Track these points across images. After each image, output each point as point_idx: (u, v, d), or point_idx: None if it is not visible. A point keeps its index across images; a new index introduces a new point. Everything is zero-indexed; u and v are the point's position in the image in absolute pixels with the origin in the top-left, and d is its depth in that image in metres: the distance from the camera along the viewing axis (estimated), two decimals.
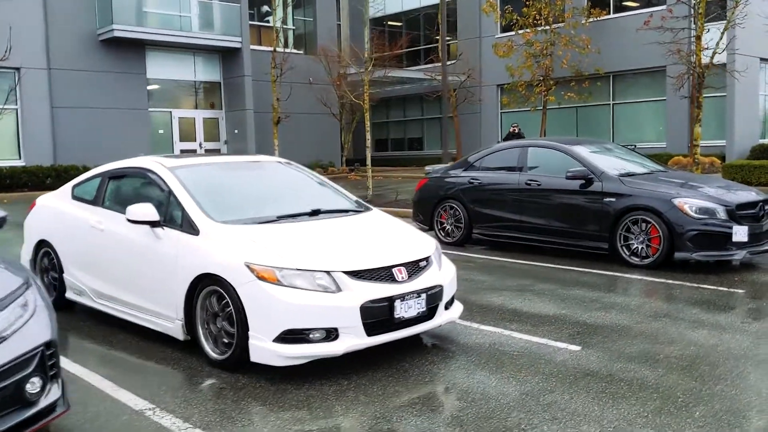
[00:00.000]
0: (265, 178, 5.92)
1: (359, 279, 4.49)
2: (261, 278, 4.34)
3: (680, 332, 5.43)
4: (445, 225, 10.08)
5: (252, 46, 26.47)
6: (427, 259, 4.99)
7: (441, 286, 4.93)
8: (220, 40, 25.44)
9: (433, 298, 4.85)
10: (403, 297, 4.61)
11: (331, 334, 4.38)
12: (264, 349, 4.32)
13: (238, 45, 25.64)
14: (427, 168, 11.25)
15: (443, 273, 5.07)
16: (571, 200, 8.70)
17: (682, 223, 7.71)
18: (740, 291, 6.82)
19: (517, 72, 25.78)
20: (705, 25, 22.95)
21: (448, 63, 30.79)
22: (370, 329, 4.48)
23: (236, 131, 26.28)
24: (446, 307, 5.10)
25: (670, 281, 7.31)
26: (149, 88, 24.86)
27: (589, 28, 25.31)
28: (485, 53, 29.59)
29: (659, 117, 25.75)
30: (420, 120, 35.17)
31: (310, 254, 4.54)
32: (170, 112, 25.47)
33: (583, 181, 8.55)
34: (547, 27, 25.34)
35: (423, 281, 4.79)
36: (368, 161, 16.37)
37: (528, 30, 25.68)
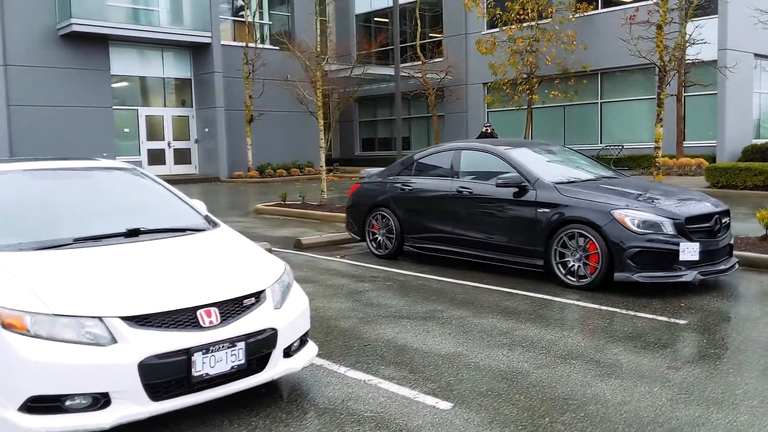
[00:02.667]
0: (86, 189, 4.90)
1: (144, 326, 3.48)
2: (6, 326, 3.34)
3: (586, 382, 4.40)
4: (377, 236, 9.07)
5: (225, 42, 25.49)
6: (257, 295, 3.97)
7: (274, 329, 3.92)
8: (189, 35, 24.48)
9: (260, 345, 3.83)
10: (207, 348, 3.60)
11: (99, 401, 3.37)
12: (5, 422, 3.31)
13: (208, 40, 24.66)
14: (363, 171, 10.23)
15: (284, 311, 4.05)
16: (504, 210, 7.68)
17: (623, 239, 6.67)
18: (682, 322, 5.78)
19: (500, 69, 24.74)
20: (689, 20, 21.93)
21: (434, 61, 29.84)
22: (157, 392, 3.47)
23: (206, 130, 25.31)
24: (288, 354, 4.09)
25: (605, 307, 6.28)
26: (114, 85, 23.90)
27: (576, 23, 24.21)
28: (471, 50, 28.49)
29: (649, 116, 24.60)
30: (407, 119, 34.09)
31: (81, 293, 3.53)
32: (136, 110, 24.52)
33: (517, 189, 7.53)
34: (533, 23, 24.29)
35: (244, 325, 3.78)
36: (322, 162, 15.35)
37: (513, 26, 24.62)
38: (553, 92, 24.64)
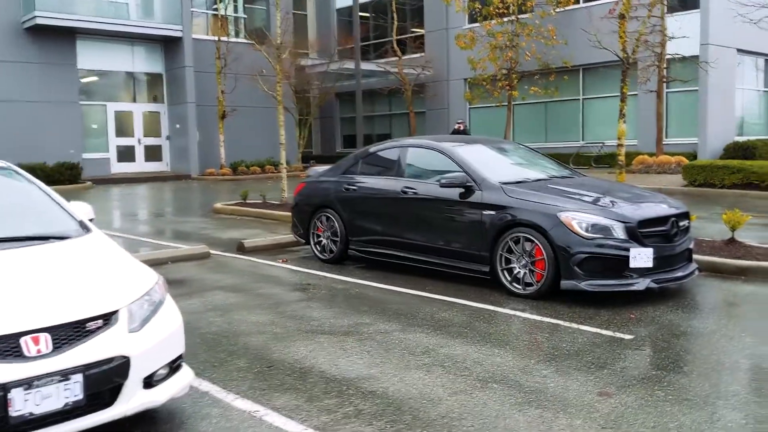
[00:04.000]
0: None
1: None
2: None
3: (502, 412, 3.85)
4: (322, 239, 8.49)
5: (197, 36, 24.83)
6: (106, 316, 3.39)
7: (126, 357, 3.34)
8: (159, 29, 23.81)
9: (105, 377, 3.26)
10: (30, 382, 3.03)
11: None
12: None
13: (179, 34, 24.00)
14: (309, 170, 9.66)
15: (144, 334, 3.47)
16: (449, 212, 7.12)
17: (569, 244, 6.13)
18: (627, 337, 5.23)
19: (479, 65, 24.17)
20: (667, 14, 21.42)
21: (414, 56, 29.22)
22: None
23: (178, 126, 24.66)
24: (150, 384, 3.52)
25: (548, 319, 5.73)
26: (82, 79, 23.22)
27: (557, 18, 23.64)
28: (452, 46, 27.87)
29: (632, 113, 24.03)
30: (388, 115, 33.52)
31: None
32: (105, 105, 23.84)
33: (462, 190, 6.97)
34: (513, 17, 23.72)
35: (83, 353, 3.21)
36: (282, 160, 14.76)
37: (493, 21, 24.04)
38: (533, 88, 24.09)
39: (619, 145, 9.08)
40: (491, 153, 7.86)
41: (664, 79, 20.39)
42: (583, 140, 25.05)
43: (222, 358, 4.85)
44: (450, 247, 7.08)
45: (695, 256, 7.42)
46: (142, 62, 24.72)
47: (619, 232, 6.11)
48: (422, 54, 29.06)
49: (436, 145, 7.62)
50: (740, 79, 23.73)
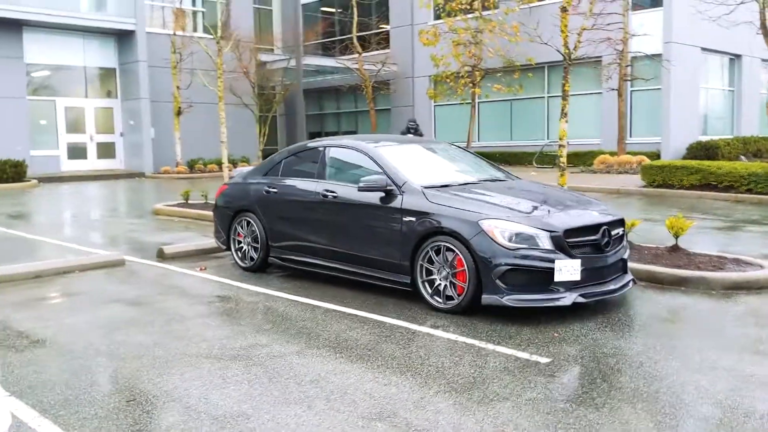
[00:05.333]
0: None
1: None
2: None
3: None
4: (242, 245, 7.90)
5: (152, 29, 24.02)
6: None
7: None
8: (112, 22, 22.97)
9: None
10: None
11: None
12: None
13: (132, 27, 23.18)
14: (234, 170, 9.06)
15: None
16: (370, 218, 6.57)
17: (491, 255, 5.61)
18: (543, 360, 4.73)
19: (442, 61, 23.68)
20: (632, 12, 21.12)
21: (380, 52, 28.63)
22: None
23: (131, 122, 23.84)
24: None
25: (463, 338, 5.21)
26: (30, 74, 22.31)
27: (519, 14, 23.19)
28: (417, 42, 27.34)
29: (596, 111, 23.71)
30: (354, 113, 32.92)
31: None
32: (54, 101, 22.95)
33: (383, 194, 6.43)
34: (477, 13, 23.24)
35: None
36: (224, 158, 14.20)
37: (458, 17, 23.55)
38: (496, 86, 23.65)
39: (560, 146, 8.59)
40: (419, 154, 7.34)
41: (626, 78, 20.05)
42: (548, 139, 24.67)
43: (80, 391, 4.25)
44: (371, 256, 6.54)
45: (636, 265, 6.99)
46: (94, 56, 23.85)
47: (544, 241, 5.61)
48: (387, 50, 28.51)
49: (359, 145, 7.07)
50: (705, 78, 23.50)
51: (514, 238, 5.62)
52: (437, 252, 5.95)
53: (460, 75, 23.88)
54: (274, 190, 7.55)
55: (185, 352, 5.02)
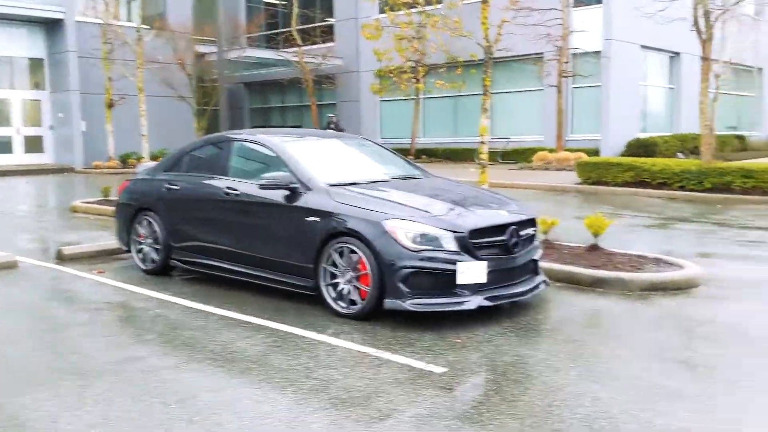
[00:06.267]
0: None
1: None
2: None
3: None
4: (143, 246, 7.38)
5: (82, 18, 23.00)
6: None
7: None
8: (39, 10, 21.91)
9: None
10: None
11: None
12: None
13: (61, 15, 22.16)
14: (139, 165, 8.53)
15: None
16: (273, 218, 6.17)
17: (395, 257, 5.27)
18: (439, 370, 4.40)
19: (385, 56, 23.35)
20: (574, 8, 21.12)
21: (324, 46, 28.08)
22: None
23: (61, 115, 22.83)
24: None
25: (362, 347, 4.85)
26: None
27: (462, 9, 22.99)
28: (362, 36, 26.92)
29: (540, 108, 23.68)
30: (299, 107, 32.31)
31: None
32: None
33: (288, 192, 6.02)
34: (422, 8, 22.95)
35: None
36: (145, 152, 13.52)
37: (401, 11, 23.22)
38: (438, 82, 23.43)
39: (481, 143, 8.31)
40: (331, 150, 6.96)
41: (565, 74, 20.04)
42: (490, 135, 24.53)
43: None
44: (274, 259, 6.13)
45: (555, 265, 6.76)
46: (21, 46, 22.75)
47: (449, 242, 5.29)
48: (332, 44, 28.04)
49: (264, 139, 6.64)
50: (644, 76, 23.72)
51: (418, 239, 5.29)
52: (341, 254, 5.59)
53: (404, 70, 23.61)
54: (176, 187, 7.06)
55: (51, 366, 4.54)
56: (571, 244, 7.69)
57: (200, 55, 25.24)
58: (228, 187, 6.51)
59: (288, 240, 5.99)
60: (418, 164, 7.36)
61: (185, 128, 26.30)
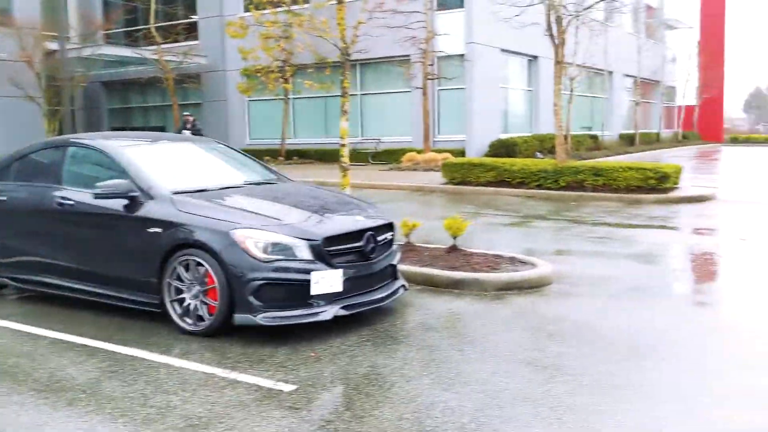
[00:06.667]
0: None
1: None
2: None
3: None
4: None
5: None
6: None
7: None
8: None
9: None
10: None
11: None
12: None
13: None
14: None
15: None
16: (111, 229, 5.69)
17: (244, 268, 4.99)
18: (287, 388, 4.17)
19: (250, 55, 22.75)
20: (438, 12, 21.62)
21: (188, 44, 26.96)
22: None
23: None
24: None
25: (207, 367, 4.53)
26: None
27: (329, 10, 22.81)
28: (228, 35, 26.05)
29: (408, 109, 23.99)
30: (162, 107, 30.85)
31: None
32: None
33: (127, 201, 5.57)
34: (288, 7, 22.53)
35: None
36: None
37: (267, 10, 22.69)
38: (307, 82, 23.15)
39: (342, 145, 8.17)
40: (178, 155, 6.54)
41: (430, 77, 20.43)
42: (361, 136, 24.63)
43: None
44: (115, 274, 5.65)
45: (414, 268, 6.73)
46: None
47: (302, 251, 5.08)
48: (196, 42, 27.01)
49: (101, 143, 6.12)
50: (505, 78, 24.67)
51: (270, 248, 5.03)
52: (186, 267, 5.23)
53: (271, 69, 23.14)
54: (3, 197, 6.38)
55: None
56: (432, 246, 7.71)
57: (50, 53, 23.44)
58: (62, 197, 5.94)
59: (129, 253, 5.54)
60: (274, 168, 7.09)
61: (35, 131, 24.32)
